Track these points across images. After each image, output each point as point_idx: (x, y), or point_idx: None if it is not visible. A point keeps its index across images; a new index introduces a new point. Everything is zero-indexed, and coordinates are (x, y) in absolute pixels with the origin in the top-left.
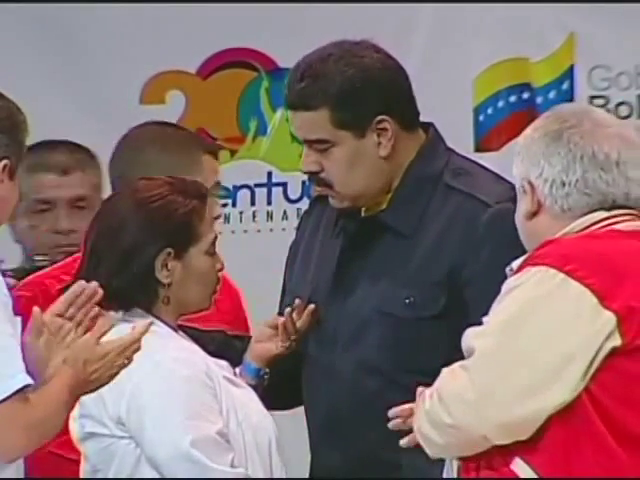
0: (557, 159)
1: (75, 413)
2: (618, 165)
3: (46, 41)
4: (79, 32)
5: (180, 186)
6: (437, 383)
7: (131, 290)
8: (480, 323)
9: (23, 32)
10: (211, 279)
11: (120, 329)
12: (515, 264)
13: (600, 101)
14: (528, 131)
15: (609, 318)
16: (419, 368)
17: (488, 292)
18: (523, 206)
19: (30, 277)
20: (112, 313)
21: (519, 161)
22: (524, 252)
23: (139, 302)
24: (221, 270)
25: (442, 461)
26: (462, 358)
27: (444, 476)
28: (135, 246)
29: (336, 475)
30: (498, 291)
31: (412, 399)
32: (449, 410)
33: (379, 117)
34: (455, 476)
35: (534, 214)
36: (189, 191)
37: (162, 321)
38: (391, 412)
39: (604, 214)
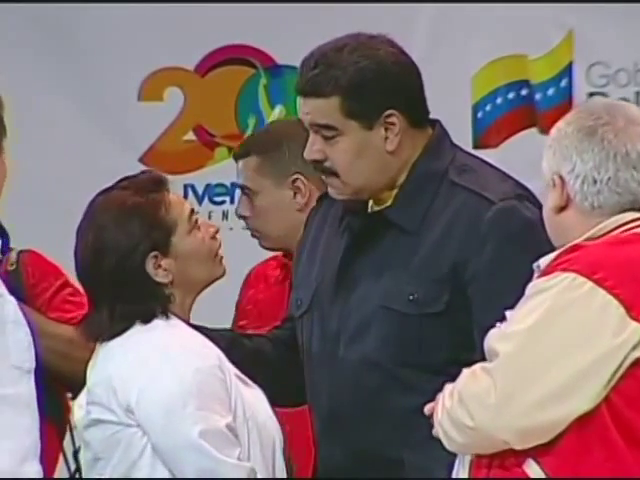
0: (590, 155)
1: (81, 401)
2: None
3: (44, 39)
4: (77, 30)
5: (134, 186)
6: (458, 383)
7: (140, 304)
8: (485, 321)
9: (21, 31)
10: (207, 251)
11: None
12: (542, 262)
13: (598, 98)
14: (561, 125)
15: (636, 329)
16: (422, 365)
17: (491, 289)
18: (551, 200)
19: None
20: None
21: (550, 154)
22: (528, 249)
23: (155, 309)
24: (216, 233)
25: (445, 459)
26: (465, 355)
27: (455, 469)
28: (120, 265)
29: (338, 471)
30: (501, 288)
31: (414, 396)
32: (470, 413)
33: (388, 111)
34: (467, 469)
35: (562, 208)
36: (143, 186)
37: (174, 314)
38: (426, 409)
39: (634, 215)
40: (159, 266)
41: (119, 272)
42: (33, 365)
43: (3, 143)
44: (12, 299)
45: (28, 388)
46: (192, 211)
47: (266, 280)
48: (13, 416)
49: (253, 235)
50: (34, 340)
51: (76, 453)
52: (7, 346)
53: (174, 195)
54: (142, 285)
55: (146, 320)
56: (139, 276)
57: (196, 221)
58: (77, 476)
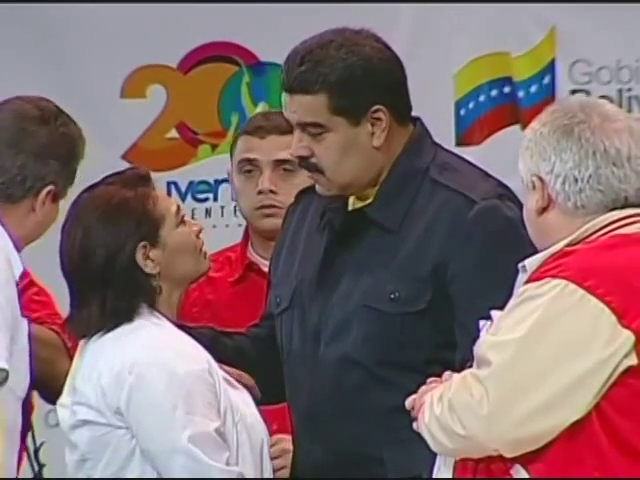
0: (569, 155)
1: (66, 400)
2: (629, 160)
3: (27, 37)
4: (60, 28)
5: (120, 181)
6: (448, 390)
7: (129, 296)
8: (466, 321)
9: (4, 29)
10: (192, 245)
11: (132, 324)
12: (528, 263)
13: (581, 95)
14: (536, 125)
15: (627, 337)
16: (402, 363)
17: (473, 289)
18: (533, 202)
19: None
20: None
21: (527, 156)
22: (510, 249)
23: (142, 302)
24: (200, 232)
25: (425, 457)
26: (446, 354)
27: (436, 466)
28: (111, 258)
29: (318, 469)
30: (483, 288)
31: (394, 394)
32: (461, 422)
33: (375, 107)
34: (450, 469)
35: (544, 210)
36: (130, 181)
37: (163, 315)
38: (407, 403)
39: (618, 215)
40: (147, 257)
41: (110, 266)
42: (25, 394)
43: (67, 191)
44: (25, 323)
45: (16, 414)
46: (178, 207)
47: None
48: None
49: None
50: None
51: (36, 452)
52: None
53: (159, 191)
54: (132, 276)
55: (133, 312)
56: (130, 268)
57: (183, 216)
58: (40, 475)
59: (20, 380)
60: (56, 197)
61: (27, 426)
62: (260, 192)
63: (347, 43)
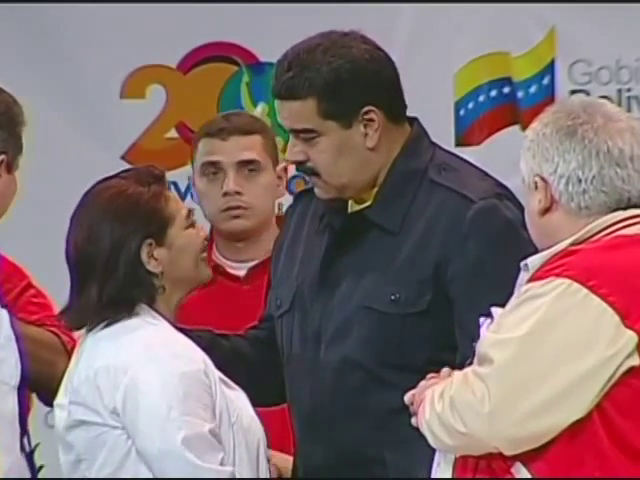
0: (572, 155)
1: (62, 400)
2: (632, 160)
3: (26, 38)
4: (59, 28)
5: (135, 177)
6: (449, 387)
7: (128, 289)
8: (466, 321)
9: (3, 30)
10: (198, 248)
11: (129, 324)
12: (530, 262)
13: (580, 95)
14: (537, 126)
15: (630, 337)
16: (403, 365)
17: (473, 289)
18: (535, 202)
19: None
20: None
21: (529, 156)
22: (509, 249)
23: (140, 298)
24: (206, 239)
25: (426, 458)
26: (447, 355)
27: (435, 462)
28: (115, 248)
29: (319, 470)
30: (483, 288)
31: (395, 395)
32: (463, 419)
33: (366, 108)
34: (450, 467)
35: (547, 210)
36: (144, 178)
37: (162, 315)
38: (406, 398)
39: (621, 215)
40: (152, 255)
41: (114, 257)
42: (18, 382)
43: (18, 160)
44: (4, 312)
45: (12, 405)
46: (189, 211)
47: None
48: None
49: None
50: (21, 355)
51: (31, 454)
52: None
53: (172, 193)
54: (134, 271)
55: (131, 307)
56: (133, 262)
57: (193, 221)
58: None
59: (10, 371)
60: (10, 167)
61: (23, 428)
62: (225, 194)
63: (334, 46)
